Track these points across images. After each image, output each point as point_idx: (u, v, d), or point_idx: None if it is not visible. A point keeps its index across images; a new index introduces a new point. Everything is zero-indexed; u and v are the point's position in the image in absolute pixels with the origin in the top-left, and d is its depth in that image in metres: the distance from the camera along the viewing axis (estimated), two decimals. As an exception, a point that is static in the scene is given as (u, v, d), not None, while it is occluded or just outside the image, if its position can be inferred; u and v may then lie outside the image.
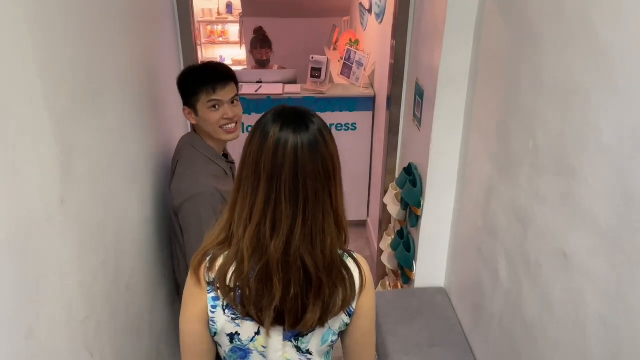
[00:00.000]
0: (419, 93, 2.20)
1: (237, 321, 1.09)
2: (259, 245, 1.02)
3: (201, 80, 1.78)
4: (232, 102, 1.84)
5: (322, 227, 1.03)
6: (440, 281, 2.32)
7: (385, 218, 2.82)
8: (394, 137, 2.60)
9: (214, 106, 1.79)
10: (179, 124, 2.34)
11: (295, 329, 1.09)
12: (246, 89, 3.49)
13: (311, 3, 4.69)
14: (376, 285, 3.01)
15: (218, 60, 6.81)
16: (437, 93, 1.94)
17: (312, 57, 3.48)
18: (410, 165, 2.32)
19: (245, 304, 1.05)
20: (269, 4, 4.75)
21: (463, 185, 2.04)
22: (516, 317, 1.58)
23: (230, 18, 6.81)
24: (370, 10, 3.72)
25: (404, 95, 2.50)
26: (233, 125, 1.85)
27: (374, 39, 3.64)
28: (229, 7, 6.88)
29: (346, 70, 3.77)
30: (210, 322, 1.09)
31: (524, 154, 1.51)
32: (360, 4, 4.07)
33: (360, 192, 3.83)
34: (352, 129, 3.53)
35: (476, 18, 1.84)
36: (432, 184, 2.12)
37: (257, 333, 1.10)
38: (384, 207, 2.73)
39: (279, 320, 1.07)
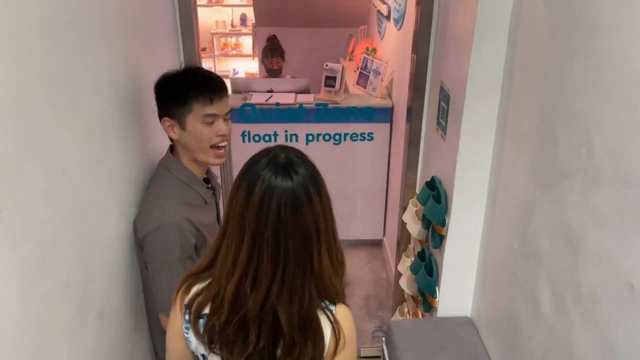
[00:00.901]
0: (444, 98, 1.97)
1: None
2: (239, 296, 1.05)
3: (195, 88, 1.52)
4: (225, 118, 1.58)
5: (301, 287, 1.04)
6: (467, 310, 2.06)
7: (404, 238, 2.57)
8: (415, 148, 2.37)
9: (210, 121, 1.53)
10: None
11: None
12: (256, 98, 3.29)
13: (327, 12, 4.50)
14: (393, 311, 2.76)
15: (230, 73, 6.68)
16: (466, 97, 1.71)
17: (327, 65, 3.27)
18: (433, 179, 2.08)
19: (216, 344, 1.09)
20: (283, 13, 4.58)
21: (494, 201, 1.80)
22: (564, 358, 1.33)
23: (244, 30, 6.67)
24: (388, 17, 3.52)
25: (426, 102, 2.27)
26: (223, 147, 1.59)
27: (392, 48, 3.43)
28: (244, 20, 6.76)
29: (362, 79, 3.56)
30: (187, 341, 1.14)
31: (575, 164, 1.26)
32: (378, 11, 3.87)
33: (377, 210, 3.59)
34: (368, 139, 3.30)
35: (512, 11, 1.61)
36: (458, 199, 1.88)
37: None
38: (402, 225, 2.48)
39: None
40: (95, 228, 1.26)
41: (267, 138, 3.25)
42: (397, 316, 2.64)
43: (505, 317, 1.72)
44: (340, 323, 1.08)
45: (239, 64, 6.72)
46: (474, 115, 1.74)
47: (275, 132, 3.27)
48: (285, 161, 1.03)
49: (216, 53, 6.68)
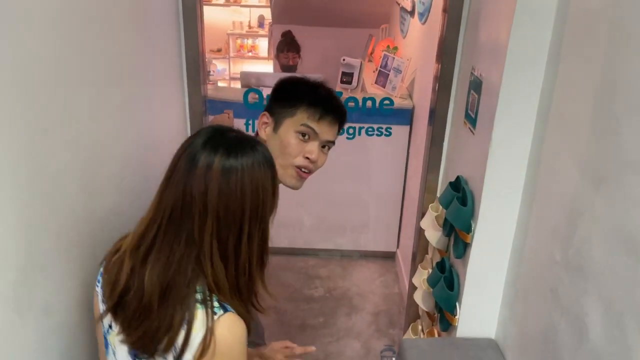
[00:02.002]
0: (475, 86, 1.73)
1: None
2: (138, 243, 1.05)
3: (313, 97, 1.38)
4: (324, 147, 1.44)
5: (179, 259, 1.01)
6: (491, 330, 1.79)
7: (421, 247, 2.31)
8: (437, 149, 2.12)
9: (304, 135, 1.38)
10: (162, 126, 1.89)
11: (123, 335, 1.05)
12: (267, 93, 3.05)
13: (348, 11, 4.30)
14: (405, 329, 2.49)
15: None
16: (504, 75, 1.46)
17: (344, 60, 3.07)
18: (458, 178, 1.83)
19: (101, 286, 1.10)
20: (302, 11, 4.39)
21: (532, 203, 1.54)
22: (620, 395, 1.06)
23: (261, 32, 6.50)
24: (412, 13, 3.30)
25: (453, 95, 2.03)
26: (308, 172, 1.43)
27: (415, 46, 3.20)
28: (262, 23, 6.59)
29: (381, 78, 3.33)
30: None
31: (645, 151, 1.01)
32: (402, 8, 3.65)
33: (391, 219, 3.33)
34: (386, 135, 3.02)
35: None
36: (488, 201, 1.62)
37: (110, 327, 1.10)
38: (420, 233, 2.23)
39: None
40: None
41: None
42: (409, 334, 2.37)
43: (540, 340, 1.45)
44: (217, 330, 0.99)
45: (253, 67, 6.54)
46: (511, 98, 1.49)
47: None
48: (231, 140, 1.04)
49: (231, 54, 6.51)
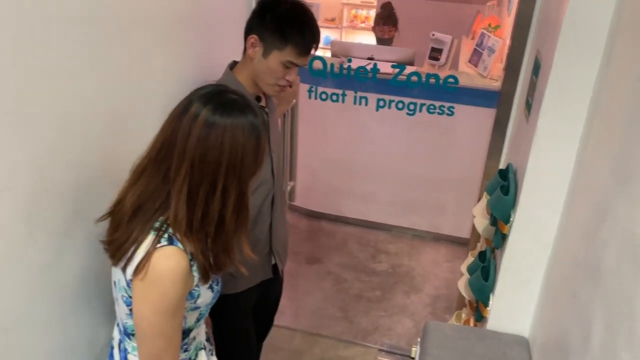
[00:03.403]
0: (536, 69, 1.61)
1: None
2: (137, 165, 1.19)
3: (300, 36, 1.59)
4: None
5: (154, 189, 1.14)
6: (524, 328, 1.71)
7: (474, 234, 2.23)
8: (500, 134, 2.01)
9: (289, 67, 1.63)
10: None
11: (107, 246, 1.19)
12: (355, 64, 3.05)
13: (457, -15, 4.12)
14: (450, 317, 2.43)
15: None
16: (554, 59, 1.35)
17: (433, 35, 2.97)
18: (509, 166, 1.74)
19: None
20: (409, -17, 4.27)
21: (572, 198, 1.43)
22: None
23: (376, 3, 6.42)
24: (517, -10, 3.08)
25: (521, 79, 1.90)
26: (283, 86, 1.70)
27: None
28: (378, -8, 6.51)
29: (475, 57, 3.18)
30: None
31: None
32: (509, -16, 3.43)
33: (468, 204, 3.22)
34: (448, 114, 2.91)
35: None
36: (528, 192, 1.53)
37: None
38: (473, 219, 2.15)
39: None
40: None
41: (334, 97, 3.01)
42: (453, 321, 2.31)
43: (558, 343, 1.36)
44: (153, 256, 1.09)
45: (365, 38, 6.50)
46: (561, 84, 1.37)
47: (344, 92, 3.02)
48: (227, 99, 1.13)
49: (344, 24, 6.52)
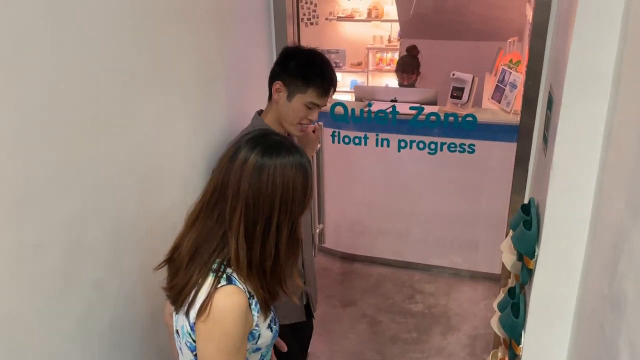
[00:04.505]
0: (549, 104, 1.64)
1: None
2: (192, 212, 1.25)
3: (321, 79, 1.78)
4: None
5: (209, 232, 1.20)
6: (559, 365, 1.67)
7: (504, 270, 2.21)
8: (523, 169, 2.02)
9: (311, 108, 1.80)
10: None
11: (169, 292, 1.25)
12: (377, 107, 3.13)
13: (476, 24, 4.20)
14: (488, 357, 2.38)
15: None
16: (564, 94, 1.38)
17: (454, 74, 3.02)
18: (531, 201, 1.74)
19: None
20: (428, 25, 4.39)
21: (594, 232, 1.42)
22: None
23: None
24: (535, 25, 3.12)
25: (538, 114, 1.92)
26: (306, 125, 1.89)
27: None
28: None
29: (498, 93, 3.21)
30: None
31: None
32: (529, 21, 3.47)
33: (497, 239, 3.18)
34: (469, 152, 2.93)
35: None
36: (551, 226, 1.53)
37: None
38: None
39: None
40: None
41: (357, 140, 3.09)
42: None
43: (591, 381, 1.33)
44: (215, 297, 1.14)
45: (392, 80, 6.61)
46: (573, 118, 1.39)
47: (365, 135, 3.10)
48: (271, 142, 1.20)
49: (370, 68, 6.66)
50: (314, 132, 1.97)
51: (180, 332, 1.25)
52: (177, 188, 1.55)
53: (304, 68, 1.78)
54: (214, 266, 1.18)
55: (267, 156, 1.17)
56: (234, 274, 1.18)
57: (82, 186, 1.22)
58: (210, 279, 1.16)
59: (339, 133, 3.14)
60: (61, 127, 1.13)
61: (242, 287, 1.17)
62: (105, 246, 1.31)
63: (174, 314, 1.27)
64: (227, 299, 1.15)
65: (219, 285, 1.15)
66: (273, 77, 1.82)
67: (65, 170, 1.16)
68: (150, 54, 1.42)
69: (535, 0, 1.85)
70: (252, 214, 1.16)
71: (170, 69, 1.52)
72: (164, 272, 1.29)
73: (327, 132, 3.11)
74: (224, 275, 1.17)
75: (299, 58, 1.80)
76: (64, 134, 1.14)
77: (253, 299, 1.21)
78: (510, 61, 3.43)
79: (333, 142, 3.17)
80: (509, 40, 4.02)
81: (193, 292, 1.16)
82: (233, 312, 1.15)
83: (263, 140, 1.20)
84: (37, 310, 1.13)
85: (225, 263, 1.19)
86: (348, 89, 6.26)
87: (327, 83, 1.79)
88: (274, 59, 2.15)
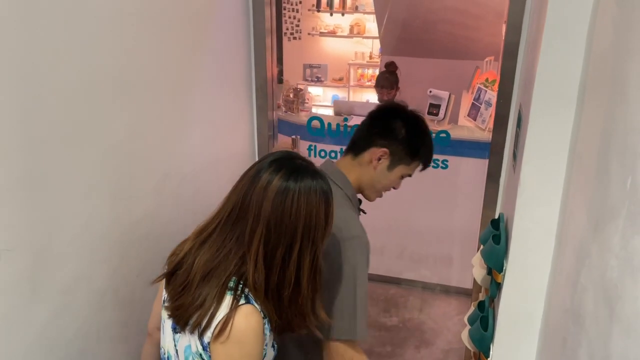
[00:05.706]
0: (519, 122, 1.68)
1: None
2: (202, 229, 1.22)
3: (430, 152, 1.64)
4: None
5: (228, 253, 1.15)
6: (527, 380, 1.69)
7: (476, 284, 2.24)
8: (494, 184, 2.06)
9: (403, 178, 1.65)
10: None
11: (167, 303, 1.20)
12: (355, 121, 3.16)
13: (456, 43, 4.28)
14: (460, 368, 2.40)
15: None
16: (531, 113, 1.42)
17: (430, 92, 3.07)
18: (500, 216, 1.78)
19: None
20: (409, 43, 4.47)
21: (560, 247, 1.46)
22: None
23: (382, 62, 6.65)
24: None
25: (509, 131, 1.97)
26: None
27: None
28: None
29: (474, 111, 3.28)
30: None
31: (621, 199, 0.95)
32: (504, 41, 3.56)
33: (469, 254, 3.23)
34: (442, 167, 2.97)
35: (592, 4, 1.31)
36: (518, 241, 1.56)
37: (164, 300, 1.23)
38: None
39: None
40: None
41: (332, 155, 3.11)
42: (460, 375, 2.29)
43: (554, 394, 1.36)
44: (235, 317, 1.10)
45: (372, 95, 6.69)
46: (539, 135, 1.43)
47: (341, 149, 3.10)
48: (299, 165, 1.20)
49: (352, 83, 6.73)
50: None
51: (182, 352, 1.19)
52: (149, 197, 1.54)
53: (414, 138, 1.58)
54: (231, 284, 1.15)
55: (292, 180, 1.14)
56: (251, 294, 1.15)
57: (52, 192, 1.21)
58: (228, 299, 1.13)
59: (315, 147, 3.16)
60: (31, 132, 1.13)
61: (258, 307, 1.14)
62: (75, 253, 1.31)
63: (173, 332, 1.21)
64: (247, 319, 1.12)
65: (239, 304, 1.12)
66: (377, 142, 1.57)
67: (35, 176, 1.16)
68: (125, 60, 1.42)
69: (507, 22, 1.91)
70: (273, 238, 1.12)
71: (144, 76, 1.53)
72: (135, 282, 1.29)
73: (304, 145, 3.13)
74: (243, 295, 1.14)
75: (409, 125, 1.58)
76: (34, 139, 1.14)
77: (266, 318, 1.17)
78: (486, 80, 3.51)
79: (309, 155, 3.18)
80: (486, 60, 4.11)
81: (210, 312, 1.12)
82: (254, 333, 1.12)
83: (288, 163, 1.17)
84: (2, 315, 1.11)
85: (242, 282, 1.15)
86: (329, 104, 6.31)
87: (431, 157, 1.65)
88: (252, 71, 2.17)
